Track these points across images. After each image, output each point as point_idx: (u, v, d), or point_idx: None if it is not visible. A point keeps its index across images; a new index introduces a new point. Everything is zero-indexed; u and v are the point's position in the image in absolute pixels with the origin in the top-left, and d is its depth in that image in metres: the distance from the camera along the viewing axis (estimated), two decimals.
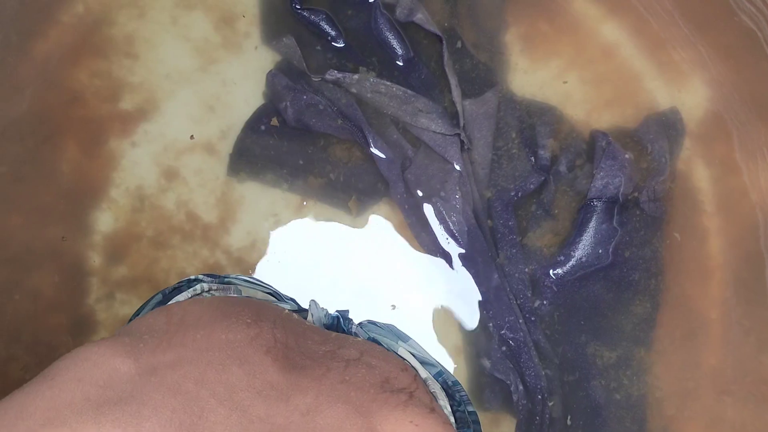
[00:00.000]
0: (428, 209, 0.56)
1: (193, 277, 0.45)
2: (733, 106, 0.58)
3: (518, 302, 0.55)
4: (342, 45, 0.58)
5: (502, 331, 0.55)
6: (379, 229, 0.57)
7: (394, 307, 0.56)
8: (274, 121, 0.57)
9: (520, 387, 0.54)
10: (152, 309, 0.43)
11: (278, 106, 0.57)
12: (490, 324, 0.55)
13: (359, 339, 0.42)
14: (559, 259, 0.56)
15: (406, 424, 0.33)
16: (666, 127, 0.58)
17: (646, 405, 0.55)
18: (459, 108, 0.57)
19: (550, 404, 0.54)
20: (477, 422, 0.43)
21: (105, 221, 0.56)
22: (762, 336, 0.56)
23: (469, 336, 0.56)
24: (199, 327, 0.36)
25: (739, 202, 0.58)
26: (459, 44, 0.59)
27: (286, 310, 0.41)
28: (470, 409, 0.43)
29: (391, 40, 0.58)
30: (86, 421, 0.29)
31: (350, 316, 0.46)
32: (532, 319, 0.55)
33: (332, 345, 0.38)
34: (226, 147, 0.57)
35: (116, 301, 0.55)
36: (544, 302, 0.56)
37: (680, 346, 0.56)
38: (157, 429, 0.30)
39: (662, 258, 0.57)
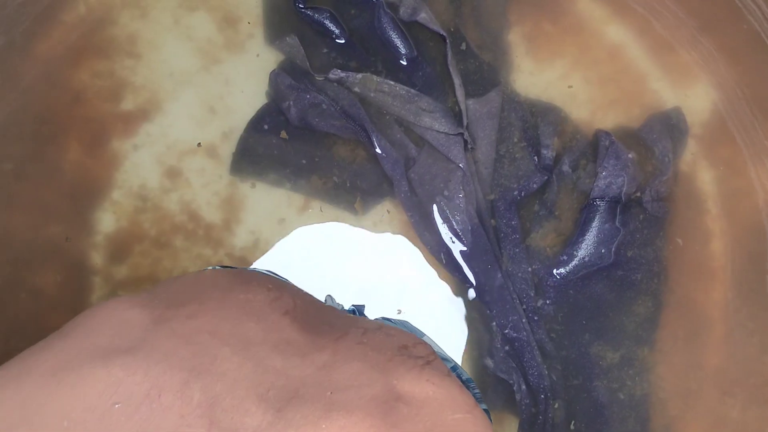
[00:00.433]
0: (432, 208, 0.56)
1: (211, 267, 0.45)
2: (737, 108, 0.58)
3: (521, 302, 0.55)
4: (344, 41, 0.58)
5: (506, 331, 0.55)
6: (383, 228, 0.57)
7: (399, 311, 0.56)
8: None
9: (523, 387, 0.54)
10: None
11: (281, 105, 0.57)
12: (494, 323, 0.55)
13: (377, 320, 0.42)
14: (561, 258, 0.56)
15: (423, 383, 0.33)
16: (669, 126, 0.58)
17: (649, 405, 0.55)
18: (462, 107, 0.57)
19: (555, 406, 0.54)
20: (490, 420, 0.43)
21: (107, 221, 0.56)
22: (765, 337, 0.56)
23: (472, 335, 0.56)
24: (217, 288, 0.36)
25: (743, 203, 0.58)
26: (464, 46, 0.58)
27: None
28: (483, 406, 0.43)
29: (395, 40, 0.58)
30: (96, 366, 0.30)
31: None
32: (535, 318, 0.55)
33: (351, 319, 0.38)
34: (229, 147, 0.57)
35: None
36: (547, 302, 0.56)
37: (683, 347, 0.56)
38: (167, 371, 0.30)
39: (665, 258, 0.57)
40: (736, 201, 0.58)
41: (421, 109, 0.57)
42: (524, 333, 0.54)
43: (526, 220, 0.57)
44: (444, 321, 0.56)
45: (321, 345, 0.34)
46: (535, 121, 0.58)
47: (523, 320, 0.54)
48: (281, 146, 0.57)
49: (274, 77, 0.57)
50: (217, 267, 0.45)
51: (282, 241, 0.57)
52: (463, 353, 0.56)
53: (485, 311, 0.55)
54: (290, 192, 0.57)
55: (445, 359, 0.44)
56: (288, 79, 0.57)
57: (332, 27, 0.58)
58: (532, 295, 0.55)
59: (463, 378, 0.44)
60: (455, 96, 0.57)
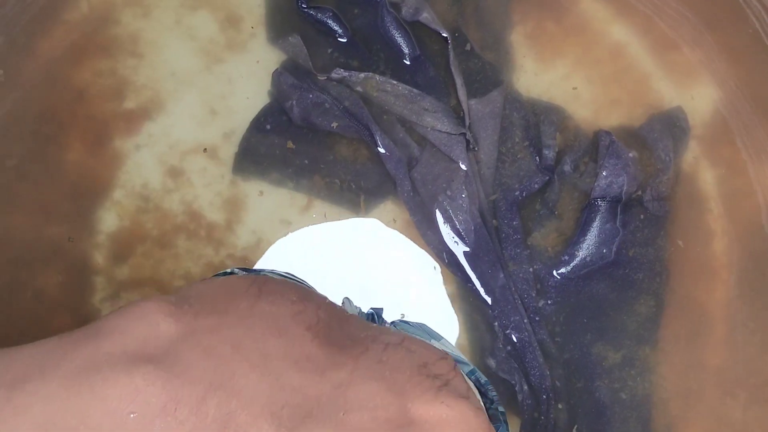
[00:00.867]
0: (435, 208, 0.56)
1: (228, 270, 0.45)
2: (739, 107, 0.59)
3: (523, 302, 0.55)
4: (346, 41, 0.58)
5: (507, 331, 0.55)
6: (386, 227, 0.57)
7: (403, 315, 0.56)
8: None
9: (525, 387, 0.54)
10: None
11: (284, 105, 0.57)
12: (496, 323, 0.55)
13: (399, 330, 0.41)
14: (563, 258, 0.56)
15: (438, 405, 0.33)
16: (670, 125, 0.58)
17: (651, 405, 0.55)
18: (465, 107, 0.57)
19: (558, 407, 0.54)
20: (506, 423, 0.43)
21: (109, 221, 0.56)
22: (767, 337, 0.56)
23: (474, 336, 0.56)
24: (245, 298, 0.36)
25: (745, 202, 0.58)
26: (468, 46, 0.59)
27: (328, 300, 0.41)
28: (501, 409, 0.43)
29: (398, 39, 0.58)
30: (119, 371, 0.30)
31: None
32: (537, 318, 0.55)
33: (374, 331, 0.38)
34: (232, 146, 0.57)
35: (121, 301, 0.55)
36: (549, 302, 0.56)
37: (685, 346, 0.56)
38: (186, 385, 0.30)
39: (666, 258, 0.57)
40: (737, 201, 0.58)
41: (424, 109, 0.57)
42: (526, 333, 0.54)
43: (527, 220, 0.57)
44: (446, 321, 0.56)
45: (341, 362, 0.34)
46: (537, 120, 0.58)
47: (525, 320, 0.54)
48: (283, 146, 0.57)
49: (277, 77, 0.57)
50: (237, 271, 0.45)
51: (284, 240, 0.56)
52: (466, 353, 0.56)
53: (487, 311, 0.55)
54: (293, 192, 0.57)
55: (464, 363, 0.44)
56: (290, 78, 0.57)
57: (335, 26, 0.58)
58: (534, 295, 0.56)
59: (482, 381, 0.44)
60: (457, 96, 0.57)
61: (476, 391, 0.41)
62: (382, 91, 0.57)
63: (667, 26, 0.60)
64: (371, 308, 0.45)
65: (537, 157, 0.57)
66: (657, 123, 0.58)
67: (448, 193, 0.55)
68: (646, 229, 0.56)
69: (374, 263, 0.57)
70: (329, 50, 0.58)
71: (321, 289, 0.49)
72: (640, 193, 0.56)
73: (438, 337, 0.45)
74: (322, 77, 0.57)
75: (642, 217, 0.56)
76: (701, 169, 0.59)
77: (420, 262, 0.57)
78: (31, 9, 0.57)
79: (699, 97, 0.59)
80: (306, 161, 0.57)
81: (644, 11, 0.60)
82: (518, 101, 0.58)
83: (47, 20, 0.57)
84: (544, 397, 0.54)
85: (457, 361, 0.43)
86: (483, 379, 0.44)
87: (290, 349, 0.33)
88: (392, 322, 0.46)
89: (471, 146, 0.56)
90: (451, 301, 0.56)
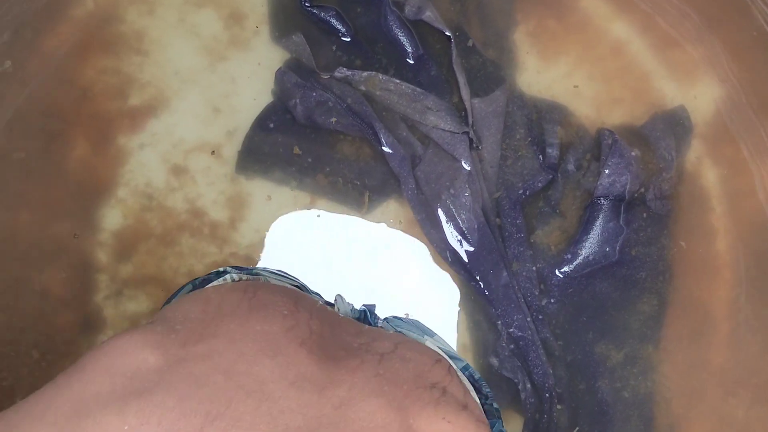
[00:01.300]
0: (438, 206, 0.56)
1: (222, 269, 0.45)
2: (741, 106, 0.58)
3: (526, 300, 0.55)
4: (350, 39, 0.58)
5: (510, 329, 0.55)
6: (389, 226, 0.57)
7: (407, 315, 0.56)
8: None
9: (528, 385, 0.54)
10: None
11: (287, 103, 0.57)
12: (499, 322, 0.55)
13: (392, 332, 0.41)
14: (566, 257, 0.56)
15: (439, 421, 0.33)
16: (673, 124, 0.58)
17: (654, 404, 0.55)
18: (468, 106, 0.57)
19: (559, 408, 0.54)
20: (501, 418, 0.43)
21: (113, 219, 0.56)
22: None
23: (477, 334, 0.56)
24: (235, 316, 0.35)
25: (747, 201, 0.58)
26: (470, 43, 0.59)
27: (320, 302, 0.41)
28: (495, 405, 0.44)
29: (401, 38, 0.58)
30: (110, 413, 0.29)
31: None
32: (540, 317, 0.55)
33: (366, 337, 0.38)
34: (235, 145, 0.57)
35: (124, 298, 0.55)
36: (552, 300, 0.56)
37: (687, 345, 0.56)
38: (181, 419, 0.30)
39: (669, 257, 0.57)
40: (740, 199, 0.58)
41: (427, 108, 0.57)
42: (529, 332, 0.54)
43: (531, 218, 0.57)
44: (449, 319, 0.56)
45: (338, 379, 0.33)
46: (539, 119, 0.58)
47: (528, 319, 0.54)
48: (287, 144, 0.57)
49: (281, 75, 0.57)
50: (230, 270, 0.44)
51: (287, 238, 0.57)
52: (469, 352, 0.56)
53: (490, 310, 0.55)
54: (295, 189, 0.57)
55: (458, 359, 0.44)
56: (294, 77, 0.57)
57: (338, 25, 0.58)
58: (537, 293, 0.56)
59: (475, 377, 0.44)
60: (460, 94, 0.57)
61: (471, 388, 0.41)
62: (385, 90, 0.57)
63: (668, 24, 0.60)
64: (363, 305, 0.45)
65: (540, 156, 0.57)
66: (659, 122, 0.58)
67: (452, 191, 0.55)
68: (649, 228, 0.56)
69: (377, 261, 0.57)
70: (332, 49, 0.59)
71: (322, 286, 0.49)
72: (642, 191, 0.56)
73: (431, 333, 0.46)
74: (325, 76, 0.57)
75: (645, 215, 0.56)
76: (704, 168, 0.59)
77: (423, 260, 0.57)
78: (36, 5, 0.57)
79: (701, 96, 0.59)
80: (309, 160, 0.57)
81: (645, 9, 0.60)
82: (521, 99, 0.58)
83: (53, 16, 0.57)
84: (547, 395, 0.54)
85: (451, 358, 0.43)
86: (476, 375, 0.44)
87: (285, 370, 0.33)
88: (385, 319, 0.46)
89: (474, 145, 0.56)
90: (454, 300, 0.56)
